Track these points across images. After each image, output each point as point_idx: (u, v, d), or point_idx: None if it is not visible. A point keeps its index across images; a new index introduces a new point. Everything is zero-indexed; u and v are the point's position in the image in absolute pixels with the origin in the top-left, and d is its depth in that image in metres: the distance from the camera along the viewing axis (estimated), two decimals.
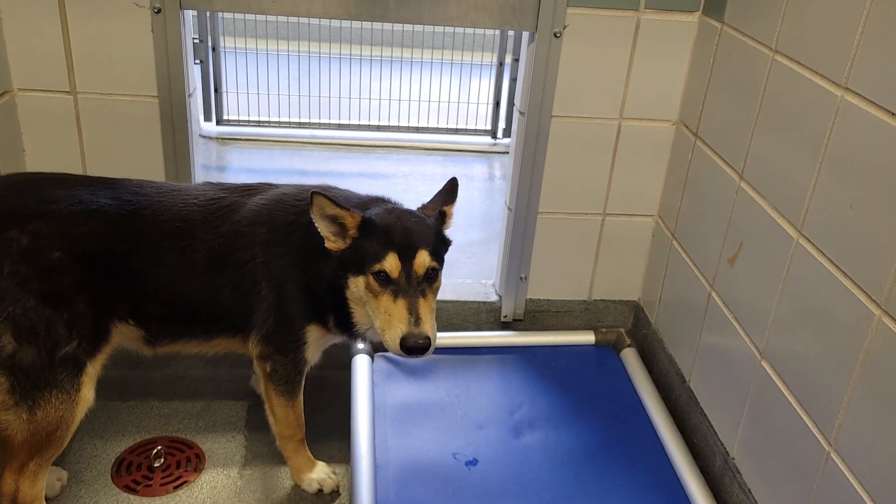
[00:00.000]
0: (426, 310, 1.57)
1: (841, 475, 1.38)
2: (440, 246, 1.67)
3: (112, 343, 1.67)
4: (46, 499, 1.73)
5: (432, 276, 1.60)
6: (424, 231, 1.63)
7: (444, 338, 2.24)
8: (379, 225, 1.60)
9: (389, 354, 2.17)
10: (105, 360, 1.67)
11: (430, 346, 1.55)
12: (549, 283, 2.33)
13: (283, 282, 1.71)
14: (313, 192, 1.55)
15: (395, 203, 1.77)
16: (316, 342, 1.80)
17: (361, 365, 2.10)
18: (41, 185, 1.62)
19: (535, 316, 2.36)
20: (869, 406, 1.32)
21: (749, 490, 1.70)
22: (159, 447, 2.01)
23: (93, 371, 1.62)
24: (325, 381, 2.22)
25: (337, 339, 1.84)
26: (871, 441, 1.31)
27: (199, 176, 2.12)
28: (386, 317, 1.57)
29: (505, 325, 2.36)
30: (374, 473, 1.78)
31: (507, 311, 2.34)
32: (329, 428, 2.10)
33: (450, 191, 1.76)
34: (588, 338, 2.31)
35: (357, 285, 1.63)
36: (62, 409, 1.57)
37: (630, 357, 2.24)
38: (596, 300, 2.37)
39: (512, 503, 1.75)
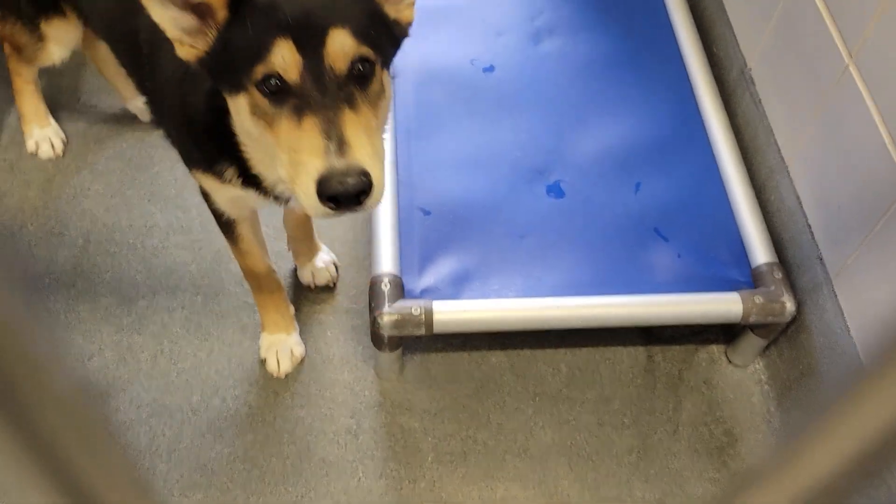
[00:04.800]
0: (356, 127, 0.88)
1: (856, 88, 1.39)
2: (378, 22, 0.95)
3: None
4: None
5: (365, 72, 0.91)
6: None
7: None
8: None
9: None
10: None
11: (370, 186, 0.87)
12: None
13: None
14: None
15: None
16: (221, 196, 1.23)
17: None
18: None
19: None
20: None
21: (760, 100, 1.74)
22: None
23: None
24: None
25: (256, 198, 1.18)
26: (891, 59, 1.30)
27: None
28: (292, 155, 0.89)
29: None
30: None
31: None
32: None
33: None
34: None
35: (238, 110, 0.95)
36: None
37: None
38: None
39: (527, 107, 1.80)
